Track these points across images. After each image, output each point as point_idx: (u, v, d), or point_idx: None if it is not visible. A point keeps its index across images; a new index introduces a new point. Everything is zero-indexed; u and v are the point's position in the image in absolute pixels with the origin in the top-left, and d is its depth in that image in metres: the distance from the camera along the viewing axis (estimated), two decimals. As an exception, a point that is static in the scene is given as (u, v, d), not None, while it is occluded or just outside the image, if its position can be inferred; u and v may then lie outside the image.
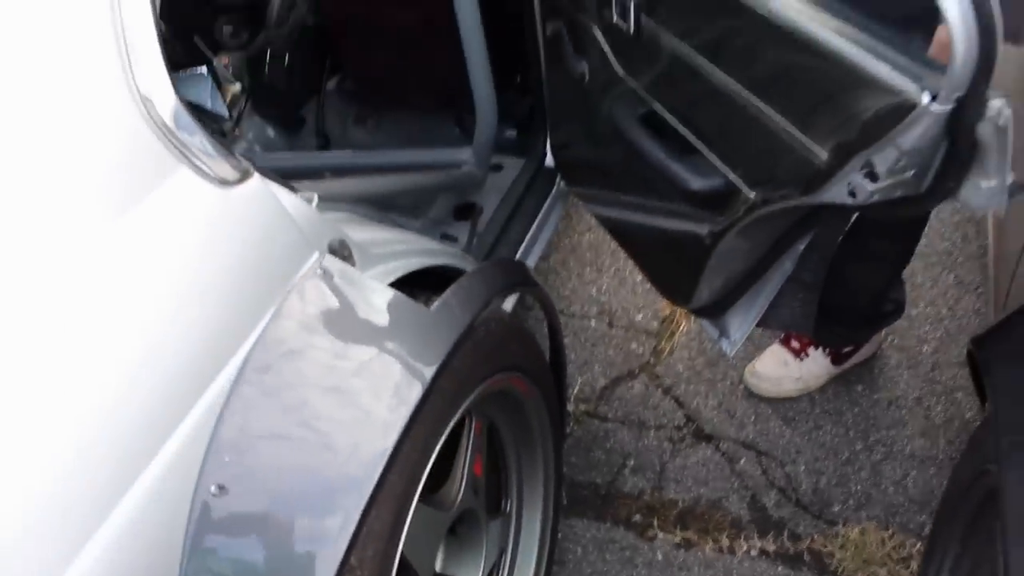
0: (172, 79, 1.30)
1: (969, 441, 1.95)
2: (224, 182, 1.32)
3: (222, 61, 3.28)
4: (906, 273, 2.64)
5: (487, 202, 2.85)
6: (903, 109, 1.37)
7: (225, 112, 3.22)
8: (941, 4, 1.30)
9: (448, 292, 1.64)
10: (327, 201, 1.62)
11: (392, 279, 1.65)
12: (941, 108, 1.35)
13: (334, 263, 1.47)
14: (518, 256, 2.68)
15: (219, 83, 3.26)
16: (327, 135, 3.26)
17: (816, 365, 2.74)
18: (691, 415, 2.75)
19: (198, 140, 1.31)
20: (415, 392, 1.42)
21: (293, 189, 1.49)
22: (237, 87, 3.27)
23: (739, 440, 2.67)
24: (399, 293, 1.53)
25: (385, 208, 2.80)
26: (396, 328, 1.50)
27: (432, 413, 1.50)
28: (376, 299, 1.50)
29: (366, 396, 1.40)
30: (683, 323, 3.00)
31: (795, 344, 2.74)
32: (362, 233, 1.69)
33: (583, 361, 2.93)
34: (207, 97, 3.23)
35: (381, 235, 1.86)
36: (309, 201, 1.49)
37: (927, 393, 2.74)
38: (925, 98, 1.35)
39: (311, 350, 1.39)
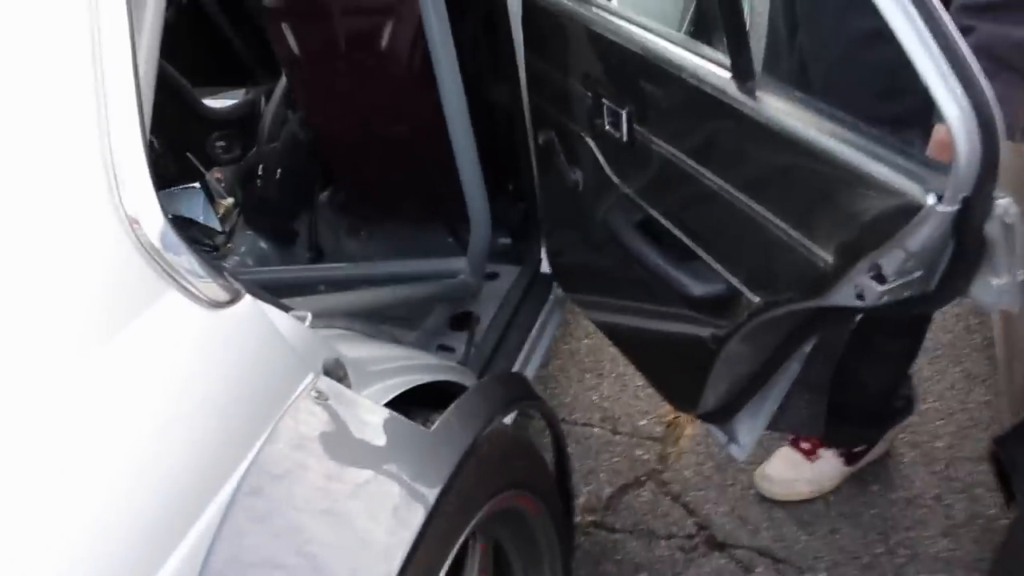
0: (161, 197, 1.27)
1: (1004, 544, 1.89)
2: (214, 304, 1.28)
3: (214, 175, 3.29)
4: (912, 368, 2.60)
5: (484, 311, 2.81)
6: (909, 211, 1.35)
7: (218, 226, 3.23)
8: (940, 105, 1.28)
9: (449, 410, 1.59)
10: (321, 316, 1.58)
11: (389, 397, 1.60)
12: (947, 209, 1.33)
13: (329, 384, 1.42)
14: (517, 365, 2.63)
15: (211, 197, 3.27)
16: (320, 247, 3.24)
17: (828, 466, 2.67)
18: (702, 522, 2.67)
19: (186, 261, 1.25)
20: (418, 516, 1.35)
21: (285, 308, 1.45)
22: (230, 201, 3.29)
23: (754, 547, 2.59)
24: (396, 414, 1.48)
25: (380, 320, 2.77)
26: (395, 450, 1.45)
27: (436, 537, 1.43)
28: (373, 421, 1.45)
29: (365, 521, 1.34)
30: (688, 427, 2.94)
31: (805, 445, 2.67)
32: (358, 350, 1.64)
33: (588, 470, 2.86)
34: (200, 211, 3.24)
35: (377, 352, 1.81)
36: (302, 320, 1.45)
37: (946, 491, 2.66)
38: (931, 199, 1.32)
39: (305, 475, 1.32)
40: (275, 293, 1.47)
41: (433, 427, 1.54)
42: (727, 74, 1.65)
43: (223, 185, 3.32)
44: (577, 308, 2.97)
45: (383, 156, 2.97)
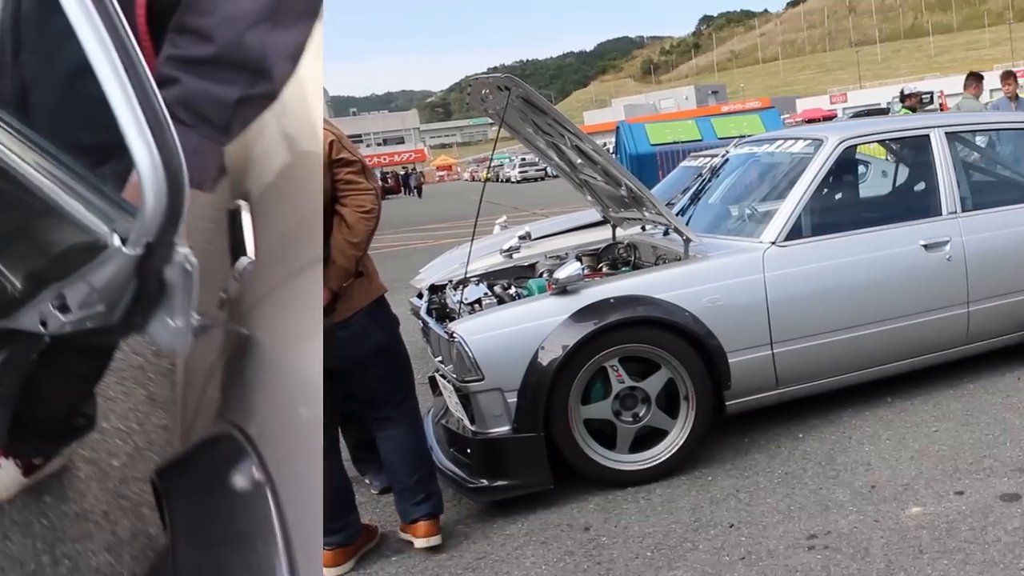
0: None
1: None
2: None
3: None
4: (100, 386, 2.67)
5: None
6: (95, 248, 1.44)
7: None
8: (132, 151, 1.39)
9: None
10: None
11: None
12: (131, 251, 1.43)
13: None
14: None
15: None
16: None
17: (6, 474, 2.65)
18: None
19: None
20: None
21: None
22: None
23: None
24: None
25: None
26: None
27: None
28: None
29: None
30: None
31: (-12, 452, 2.63)
32: None
33: None
34: None
35: None
36: None
37: (115, 508, 2.75)
38: (116, 240, 1.43)
39: None
40: None
41: None
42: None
43: None
44: None
45: None
